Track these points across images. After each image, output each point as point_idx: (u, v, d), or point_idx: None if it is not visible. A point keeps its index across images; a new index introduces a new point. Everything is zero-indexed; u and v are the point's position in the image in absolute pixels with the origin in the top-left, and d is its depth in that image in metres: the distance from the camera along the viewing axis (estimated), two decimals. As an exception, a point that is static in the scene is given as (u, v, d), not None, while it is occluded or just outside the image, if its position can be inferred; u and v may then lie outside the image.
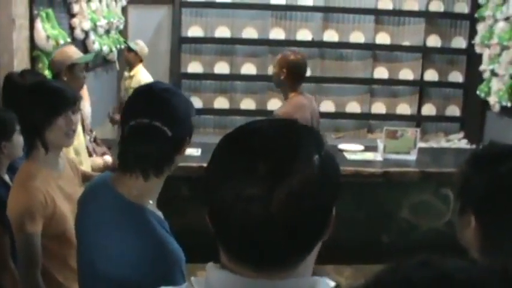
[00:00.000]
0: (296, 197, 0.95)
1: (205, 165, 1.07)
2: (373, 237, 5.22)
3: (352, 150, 5.28)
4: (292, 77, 4.09)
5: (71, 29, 5.27)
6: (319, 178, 0.98)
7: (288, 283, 1.01)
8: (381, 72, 7.51)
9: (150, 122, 1.79)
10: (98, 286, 1.86)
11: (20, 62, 4.08)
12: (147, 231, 1.77)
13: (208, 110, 7.12)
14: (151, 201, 1.86)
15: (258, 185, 0.95)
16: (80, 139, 3.53)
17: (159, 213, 1.89)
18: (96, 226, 1.85)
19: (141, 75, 5.96)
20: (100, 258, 1.82)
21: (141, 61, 6.20)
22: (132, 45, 6.17)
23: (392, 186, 5.07)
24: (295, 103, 4.07)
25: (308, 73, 7.23)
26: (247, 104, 7.31)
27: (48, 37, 4.40)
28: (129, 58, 6.20)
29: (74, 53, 3.87)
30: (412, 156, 5.15)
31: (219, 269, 1.05)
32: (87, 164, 3.65)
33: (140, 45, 6.22)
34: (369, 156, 5.23)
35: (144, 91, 1.92)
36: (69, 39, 4.90)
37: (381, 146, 5.20)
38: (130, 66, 6.21)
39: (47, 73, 4.40)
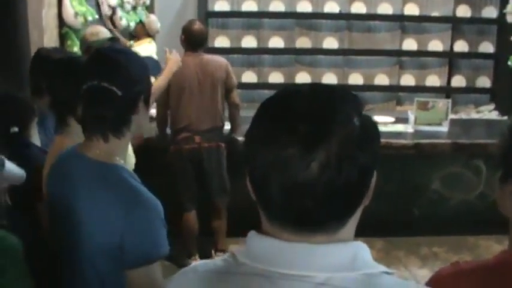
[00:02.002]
0: (336, 157, 0.96)
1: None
2: (404, 209, 5.20)
3: (383, 122, 5.24)
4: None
5: (98, 5, 5.29)
6: (359, 139, 0.99)
7: (329, 248, 1.01)
8: (410, 44, 7.41)
9: (98, 83, 1.82)
10: (76, 250, 1.86)
11: (49, 39, 4.11)
12: (119, 186, 1.80)
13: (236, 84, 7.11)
14: (118, 158, 1.88)
15: (298, 145, 0.96)
16: None
17: (129, 169, 1.95)
18: (69, 193, 1.87)
19: (140, 49, 5.61)
20: (76, 222, 1.83)
21: (148, 35, 6.07)
22: (143, 17, 6.08)
23: (423, 158, 5.04)
24: None
25: (335, 46, 7.27)
26: (275, 77, 7.28)
27: (76, 14, 4.42)
28: (136, 29, 6.10)
29: (91, 35, 3.90)
30: (444, 128, 5.11)
31: (261, 235, 1.05)
32: None
33: (150, 19, 6.08)
34: (400, 128, 5.21)
35: (94, 54, 1.96)
36: (96, 16, 4.92)
37: (411, 117, 5.17)
38: (137, 38, 6.09)
39: (76, 50, 4.43)
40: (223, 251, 4.89)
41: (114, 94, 1.80)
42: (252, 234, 1.08)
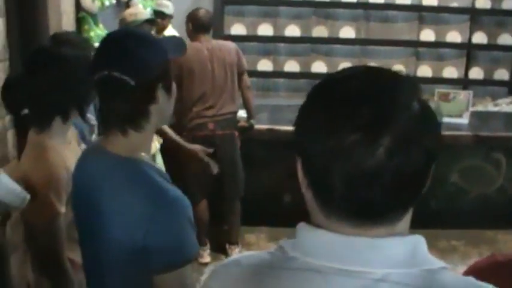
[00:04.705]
0: (403, 142, 0.90)
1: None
2: (421, 202, 5.11)
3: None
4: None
5: (115, -10, 5.24)
6: (422, 124, 0.94)
7: (388, 242, 0.96)
8: (427, 35, 7.32)
9: (109, 73, 1.65)
10: (100, 252, 1.75)
11: (66, 24, 4.08)
12: (143, 183, 1.66)
13: (251, 72, 7.03)
14: (143, 154, 1.74)
15: (362, 131, 0.90)
16: None
17: (157, 165, 1.80)
18: (92, 190, 1.74)
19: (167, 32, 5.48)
20: (99, 222, 1.71)
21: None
22: (164, 10, 5.75)
23: (443, 150, 4.97)
24: None
25: (352, 35, 7.19)
26: (291, 66, 7.20)
27: (93, -2, 4.39)
28: (157, 23, 5.52)
29: (129, 15, 3.85)
30: (465, 120, 5.05)
31: (314, 228, 0.99)
32: None
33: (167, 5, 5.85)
34: (419, 119, 5.15)
35: (103, 41, 1.77)
36: (114, 1, 4.89)
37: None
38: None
39: (92, 34, 4.40)
40: (236, 243, 4.86)
41: (127, 84, 1.63)
42: (303, 226, 1.01)
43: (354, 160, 0.90)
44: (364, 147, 0.90)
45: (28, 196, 2.09)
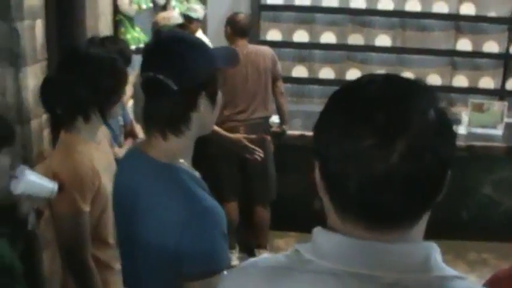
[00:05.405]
0: (417, 148, 0.92)
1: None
2: (452, 213, 5.08)
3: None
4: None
5: (153, -6, 5.31)
6: (438, 131, 0.95)
7: (402, 247, 0.98)
8: (464, 44, 7.25)
9: (154, 75, 1.66)
10: (138, 255, 1.77)
11: (104, 26, 4.14)
12: (178, 190, 1.66)
13: (286, 78, 7.06)
14: (182, 160, 1.74)
15: (376, 136, 0.92)
16: None
17: (196, 173, 1.79)
18: (130, 193, 1.75)
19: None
20: (136, 224, 1.72)
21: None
22: (191, 14, 5.75)
23: (476, 160, 4.94)
24: None
25: (388, 43, 7.17)
26: (326, 73, 7.19)
27: (131, 1, 4.45)
28: (188, 27, 5.42)
29: (162, 19, 3.90)
30: (499, 131, 5.01)
31: (330, 232, 1.01)
32: None
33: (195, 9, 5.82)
34: (452, 129, 5.11)
35: (151, 42, 1.79)
36: (151, 4, 4.96)
37: (465, 118, 5.07)
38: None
39: (129, 37, 4.47)
40: (265, 247, 4.88)
41: (170, 88, 1.64)
42: (319, 230, 1.04)
43: (368, 164, 0.93)
44: (379, 151, 0.92)
45: (56, 187, 2.15)
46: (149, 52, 1.77)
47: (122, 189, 1.84)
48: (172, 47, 1.71)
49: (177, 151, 1.74)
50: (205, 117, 1.76)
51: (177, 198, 1.66)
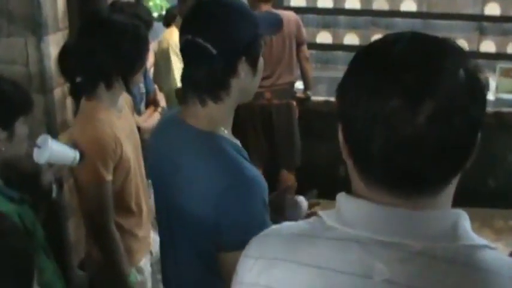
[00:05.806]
0: (446, 109, 0.88)
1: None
2: (479, 180, 5.02)
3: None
4: None
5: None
6: (468, 92, 0.91)
7: (429, 214, 0.94)
8: (492, 8, 7.10)
9: (192, 38, 1.60)
10: (173, 222, 1.74)
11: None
12: (219, 158, 1.62)
13: (310, 45, 6.98)
14: (223, 128, 1.70)
15: (403, 96, 0.88)
16: None
17: (237, 142, 1.75)
18: (169, 161, 1.71)
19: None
20: (174, 193, 1.69)
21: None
22: None
23: (503, 127, 4.86)
24: None
25: (414, 8, 7.05)
26: (351, 39, 7.11)
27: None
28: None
29: None
30: (527, 97, 4.91)
31: (354, 197, 0.98)
32: None
33: None
34: (480, 95, 5.04)
35: (195, 4, 1.69)
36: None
37: (493, 84, 4.98)
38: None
39: (151, 4, 4.43)
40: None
41: (208, 52, 1.58)
42: (343, 195, 1.00)
43: (394, 126, 0.89)
44: (405, 113, 0.88)
45: (78, 156, 2.14)
46: (190, 15, 1.70)
47: (160, 158, 1.80)
48: (213, 10, 1.65)
49: (217, 119, 1.69)
50: (245, 84, 1.70)
51: (218, 168, 1.61)
